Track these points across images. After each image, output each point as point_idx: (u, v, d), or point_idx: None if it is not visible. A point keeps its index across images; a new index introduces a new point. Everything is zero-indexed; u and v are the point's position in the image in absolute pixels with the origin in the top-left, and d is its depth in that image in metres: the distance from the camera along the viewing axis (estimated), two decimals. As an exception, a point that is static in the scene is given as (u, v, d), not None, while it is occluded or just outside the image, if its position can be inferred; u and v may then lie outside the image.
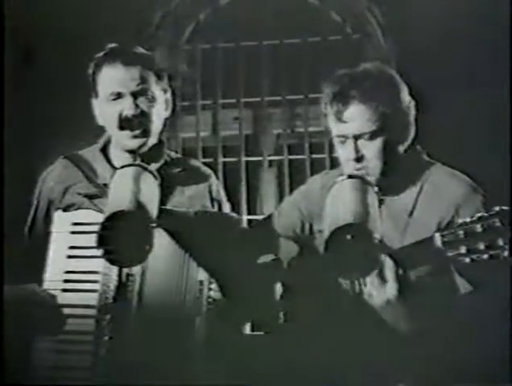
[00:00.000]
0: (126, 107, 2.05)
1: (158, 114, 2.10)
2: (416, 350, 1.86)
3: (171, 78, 2.17)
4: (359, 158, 1.92)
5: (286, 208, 2.18)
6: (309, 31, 3.16)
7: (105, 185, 2.04)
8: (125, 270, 1.94)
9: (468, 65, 2.65)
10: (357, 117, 1.90)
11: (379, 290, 1.79)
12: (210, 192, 2.19)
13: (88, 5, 2.83)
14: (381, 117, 1.90)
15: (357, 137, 1.91)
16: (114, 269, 1.94)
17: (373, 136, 1.91)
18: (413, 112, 1.96)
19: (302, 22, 3.14)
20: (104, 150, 2.14)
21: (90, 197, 2.05)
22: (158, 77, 2.10)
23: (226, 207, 2.23)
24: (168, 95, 2.14)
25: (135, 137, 2.08)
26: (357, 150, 1.92)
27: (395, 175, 1.96)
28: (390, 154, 1.93)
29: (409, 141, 1.97)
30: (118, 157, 2.12)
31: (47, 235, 2.01)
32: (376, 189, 1.94)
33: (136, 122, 2.07)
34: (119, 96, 2.06)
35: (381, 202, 1.96)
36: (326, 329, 1.91)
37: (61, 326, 1.93)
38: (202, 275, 1.96)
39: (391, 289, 1.78)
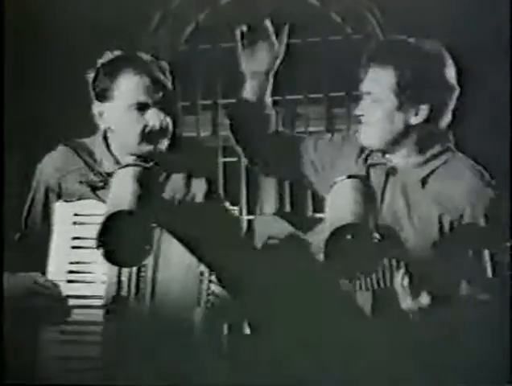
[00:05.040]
0: (153, 119, 2.03)
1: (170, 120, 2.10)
2: (417, 349, 1.86)
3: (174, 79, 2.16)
4: (360, 115, 2.03)
5: None
6: (309, 31, 3.15)
7: (107, 174, 2.04)
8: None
9: (469, 65, 2.65)
10: (372, 77, 2.01)
11: (412, 297, 1.81)
12: None
13: (88, 5, 2.83)
14: (401, 85, 1.97)
15: (367, 94, 2.01)
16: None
17: (378, 99, 1.96)
18: (452, 93, 2.00)
19: (302, 23, 3.13)
20: (105, 137, 2.12)
21: (91, 186, 2.04)
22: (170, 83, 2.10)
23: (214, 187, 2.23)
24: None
25: (151, 146, 2.07)
26: (361, 108, 2.03)
27: (412, 147, 2.00)
28: (389, 121, 1.98)
29: (421, 118, 1.99)
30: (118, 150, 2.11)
31: (46, 225, 2.00)
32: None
33: (159, 134, 2.06)
34: (145, 105, 2.04)
35: (394, 170, 2.00)
36: (326, 328, 1.91)
37: (64, 316, 1.93)
38: (203, 266, 1.95)
39: (425, 297, 1.79)
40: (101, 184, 2.04)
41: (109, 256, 1.85)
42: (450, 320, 1.85)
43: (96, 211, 1.93)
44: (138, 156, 2.07)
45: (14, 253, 2.04)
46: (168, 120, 2.06)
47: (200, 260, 1.93)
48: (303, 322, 1.92)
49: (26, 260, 1.98)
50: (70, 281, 1.95)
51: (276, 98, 3.26)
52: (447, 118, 2.01)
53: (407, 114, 1.99)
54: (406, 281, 1.80)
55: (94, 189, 2.04)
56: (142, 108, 2.03)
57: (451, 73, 2.01)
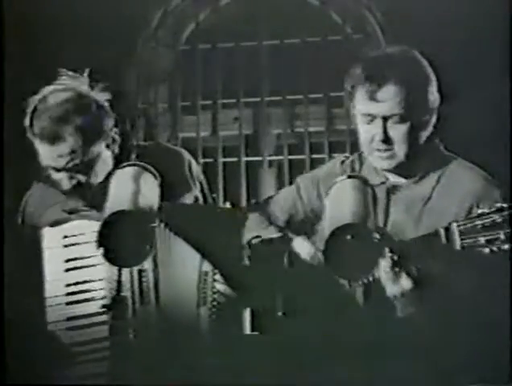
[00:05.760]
0: (63, 183, 2.03)
1: (102, 164, 2.07)
2: (417, 349, 1.86)
3: (118, 118, 2.11)
4: (387, 140, 1.93)
5: (305, 187, 2.14)
6: (309, 31, 3.15)
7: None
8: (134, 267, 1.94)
9: (469, 65, 2.64)
10: (390, 97, 1.92)
11: (394, 283, 1.80)
12: (191, 173, 2.18)
13: (88, 4, 2.83)
14: (411, 101, 1.91)
15: (386, 118, 1.92)
16: (124, 270, 1.93)
17: (402, 119, 1.92)
18: (438, 99, 1.98)
19: (302, 22, 3.13)
20: None
21: (75, 212, 2.04)
22: (98, 119, 2.04)
23: (207, 187, 2.22)
24: (113, 132, 2.08)
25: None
26: (385, 131, 1.92)
27: (416, 162, 1.96)
28: (414, 140, 1.95)
29: (431, 128, 1.98)
30: None
31: (36, 255, 1.99)
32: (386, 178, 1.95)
33: (76, 192, 2.04)
34: (54, 169, 2.03)
35: (396, 188, 1.97)
36: (326, 326, 1.91)
37: (71, 363, 1.93)
38: (207, 266, 1.95)
39: (406, 281, 1.79)
40: (84, 208, 2.04)
41: (109, 257, 1.85)
42: (447, 319, 1.85)
43: (85, 230, 1.93)
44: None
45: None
46: (87, 177, 2.04)
47: (206, 258, 1.93)
48: (309, 319, 1.92)
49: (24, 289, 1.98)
50: (70, 303, 1.95)
51: (276, 98, 3.29)
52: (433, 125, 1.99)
53: (427, 129, 1.97)
54: (387, 266, 1.79)
55: (77, 212, 2.04)
56: (54, 170, 2.02)
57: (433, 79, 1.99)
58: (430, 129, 1.98)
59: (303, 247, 1.98)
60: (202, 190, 2.20)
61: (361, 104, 1.95)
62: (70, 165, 2.01)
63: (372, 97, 1.92)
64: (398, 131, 1.93)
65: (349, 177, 1.94)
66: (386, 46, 2.08)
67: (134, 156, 2.09)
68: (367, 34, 3.13)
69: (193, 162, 2.22)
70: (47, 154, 2.01)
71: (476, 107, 2.62)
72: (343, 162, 2.13)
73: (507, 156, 2.31)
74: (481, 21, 2.59)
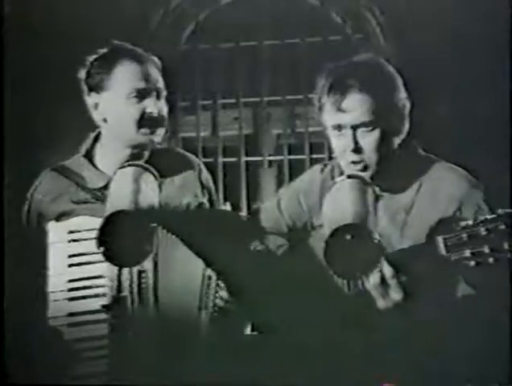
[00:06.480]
0: (151, 105, 2.05)
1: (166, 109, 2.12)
2: (416, 350, 1.86)
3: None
4: (357, 149, 1.91)
5: (286, 201, 2.15)
6: (309, 31, 3.15)
7: (95, 189, 2.05)
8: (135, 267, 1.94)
9: (468, 64, 2.65)
10: (355, 106, 1.90)
11: (383, 294, 1.79)
12: (200, 180, 2.18)
13: (88, 4, 2.83)
14: (379, 108, 1.90)
15: (355, 128, 1.90)
16: (125, 269, 1.93)
17: (371, 127, 1.90)
18: (408, 105, 1.96)
19: (302, 22, 3.13)
20: (87, 156, 2.12)
21: (83, 203, 2.04)
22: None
23: (215, 196, 2.23)
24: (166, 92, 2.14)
25: (148, 134, 2.07)
26: (355, 141, 1.91)
27: (391, 170, 1.95)
28: (385, 147, 1.93)
29: (403, 134, 1.96)
30: (105, 158, 2.11)
31: (41, 248, 1.99)
32: (375, 187, 1.94)
33: (156, 121, 2.07)
34: (143, 92, 2.04)
35: (378, 197, 1.96)
36: (325, 327, 1.91)
37: (71, 362, 1.93)
38: (211, 270, 1.95)
39: (396, 293, 1.78)
40: (93, 200, 2.04)
41: (110, 256, 1.86)
42: (447, 319, 1.85)
43: (91, 226, 1.93)
44: (135, 146, 2.07)
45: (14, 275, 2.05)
46: (165, 109, 2.08)
47: (208, 264, 1.93)
48: (308, 325, 1.92)
49: (26, 281, 1.98)
50: (72, 299, 1.95)
51: (276, 98, 3.29)
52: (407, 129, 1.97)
53: (399, 135, 1.96)
54: (376, 280, 1.79)
55: (85, 203, 2.04)
56: (140, 95, 2.04)
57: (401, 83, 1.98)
58: (402, 135, 1.96)
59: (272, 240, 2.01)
60: (210, 199, 2.21)
61: (329, 116, 1.94)
62: (160, 87, 2.08)
63: (338, 108, 1.90)
64: (368, 139, 1.91)
65: (349, 177, 1.93)
66: (353, 55, 2.05)
67: (146, 156, 2.10)
68: (367, 34, 3.13)
69: (204, 170, 2.23)
70: (144, 74, 2.06)
71: (476, 107, 2.63)
72: (322, 169, 2.13)
73: (507, 159, 2.31)
74: (480, 21, 2.59)
